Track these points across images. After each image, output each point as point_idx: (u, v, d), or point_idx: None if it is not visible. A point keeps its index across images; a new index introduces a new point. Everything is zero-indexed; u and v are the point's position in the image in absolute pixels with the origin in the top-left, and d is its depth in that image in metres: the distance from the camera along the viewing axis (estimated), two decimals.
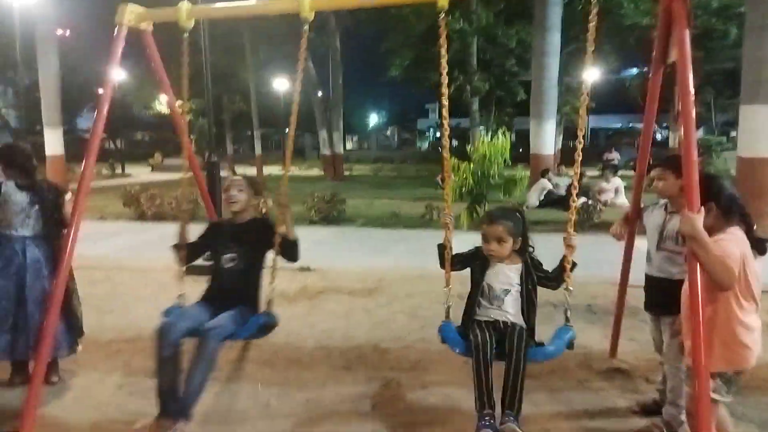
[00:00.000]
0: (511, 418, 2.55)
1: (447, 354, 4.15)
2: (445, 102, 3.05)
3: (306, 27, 3.29)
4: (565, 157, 23.07)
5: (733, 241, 2.36)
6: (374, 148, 55.54)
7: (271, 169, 25.47)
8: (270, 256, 3.29)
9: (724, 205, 2.47)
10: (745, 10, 9.62)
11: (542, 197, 11.94)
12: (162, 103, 31.74)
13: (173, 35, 3.50)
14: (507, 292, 2.82)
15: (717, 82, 28.85)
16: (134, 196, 11.27)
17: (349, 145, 59.45)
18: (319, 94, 24.69)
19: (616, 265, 4.25)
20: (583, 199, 10.77)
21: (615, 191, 12.19)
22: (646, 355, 4.12)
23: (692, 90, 2.45)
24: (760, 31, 8.39)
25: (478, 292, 2.88)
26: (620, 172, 15.33)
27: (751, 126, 8.64)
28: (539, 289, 2.95)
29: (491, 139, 8.67)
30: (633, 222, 3.79)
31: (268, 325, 3.22)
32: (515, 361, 2.61)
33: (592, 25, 2.77)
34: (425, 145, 57.05)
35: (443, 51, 2.99)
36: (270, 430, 3.17)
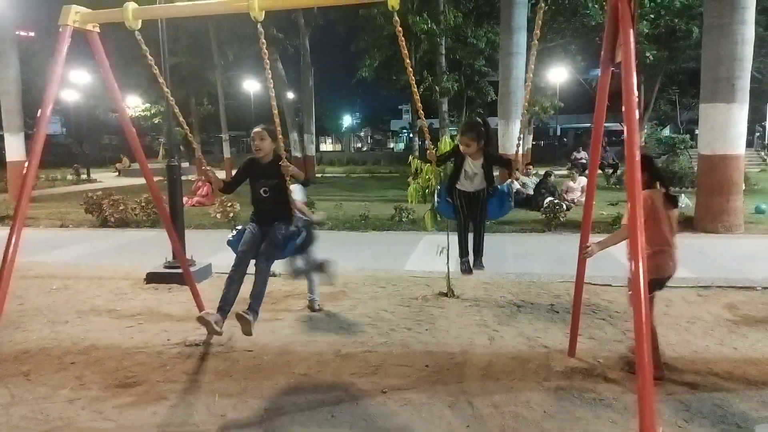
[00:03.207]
0: (479, 263, 4.21)
1: (408, 357, 4.15)
2: (416, 95, 3.82)
3: (260, 28, 3.27)
4: (535, 156, 23.37)
5: (654, 196, 3.62)
6: (347, 150, 55.31)
7: None
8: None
9: (652, 173, 3.67)
10: (703, 10, 9.82)
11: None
12: (129, 107, 31.11)
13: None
14: (476, 174, 4.07)
15: (682, 81, 29.53)
16: (96, 202, 10.98)
17: (323, 147, 59.21)
18: (290, 95, 24.51)
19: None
20: (549, 198, 10.88)
21: (582, 190, 12.35)
22: (605, 353, 4.16)
23: (635, 90, 2.46)
24: (717, 30, 8.59)
25: (459, 173, 4.12)
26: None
27: (710, 124, 8.84)
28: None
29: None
30: (587, 218, 3.83)
31: (304, 243, 4.33)
32: (478, 224, 4.17)
33: (538, 20, 2.86)
34: (400, 146, 57.15)
35: (404, 52, 3.46)
36: None
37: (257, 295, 3.95)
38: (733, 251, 7.64)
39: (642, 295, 2.33)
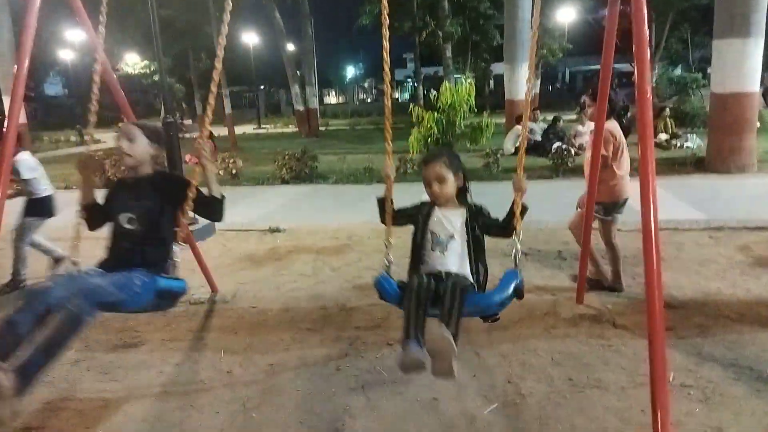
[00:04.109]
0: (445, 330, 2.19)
1: None
2: (386, 44, 2.70)
3: None
4: (542, 102, 22.80)
5: (613, 126, 4.04)
6: (351, 102, 54.49)
7: (245, 128, 25.00)
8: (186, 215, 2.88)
9: (611, 106, 3.92)
10: None
11: (518, 143, 11.78)
12: (129, 65, 30.62)
13: None
14: (451, 238, 2.56)
15: (694, 18, 28.47)
16: (97, 162, 10.88)
17: (327, 100, 58.37)
18: (290, 47, 23.93)
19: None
20: (557, 144, 10.66)
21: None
22: (612, 298, 4.09)
23: (646, 28, 2.28)
24: None
25: (422, 241, 2.64)
26: None
27: (723, 61, 8.50)
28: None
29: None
30: (595, 162, 3.70)
31: (169, 292, 2.72)
32: (449, 302, 2.25)
33: None
34: (405, 95, 56.15)
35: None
36: (232, 399, 3.07)
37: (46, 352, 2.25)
38: (746, 191, 7.46)
39: (653, 240, 2.22)
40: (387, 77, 2.71)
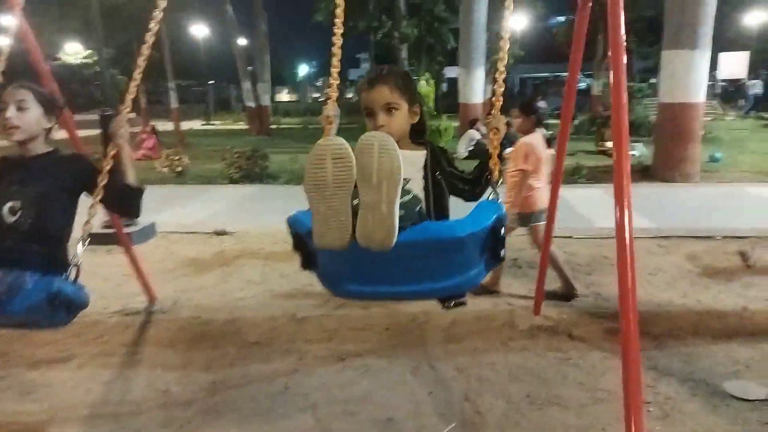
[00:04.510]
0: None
1: (367, 320, 3.93)
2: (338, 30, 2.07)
3: None
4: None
5: (537, 139, 4.08)
6: (304, 100, 53.84)
7: (193, 124, 24.24)
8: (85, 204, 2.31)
9: (538, 118, 4.15)
10: None
11: (471, 147, 11.80)
12: (68, 53, 29.11)
13: None
14: (407, 181, 1.82)
15: (638, 29, 29.49)
16: None
17: (279, 98, 57.42)
18: (242, 42, 23.30)
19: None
20: (509, 149, 10.70)
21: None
22: (568, 308, 4.04)
23: (623, 26, 2.17)
24: None
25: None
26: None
27: (672, 71, 8.71)
28: None
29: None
30: (559, 168, 3.63)
31: (67, 301, 2.06)
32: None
33: None
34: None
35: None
36: (167, 421, 2.82)
37: None
38: (692, 200, 7.66)
39: (627, 249, 2.07)
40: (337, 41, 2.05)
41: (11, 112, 2.19)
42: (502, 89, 2.08)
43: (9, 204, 2.16)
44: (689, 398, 2.87)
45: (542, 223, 4.00)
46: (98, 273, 4.95)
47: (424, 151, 2.00)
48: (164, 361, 3.41)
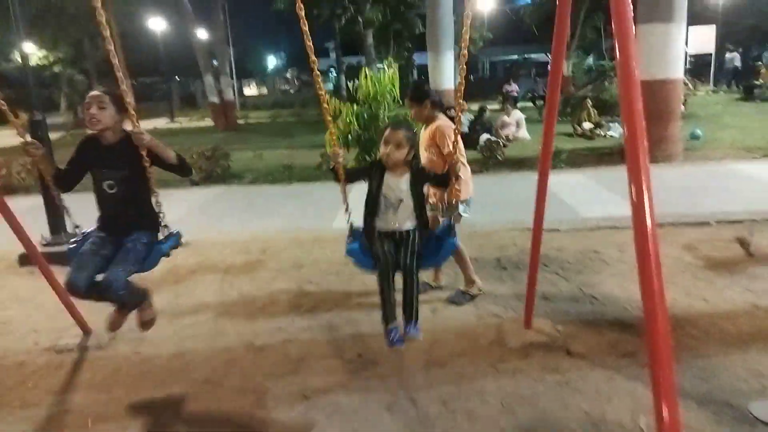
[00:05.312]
0: (413, 328, 2.83)
1: (336, 345, 3.43)
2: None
3: None
4: (465, 92, 22.60)
5: (446, 123, 3.70)
6: (273, 93, 52.69)
7: (157, 122, 23.31)
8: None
9: (435, 103, 3.79)
10: None
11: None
12: (26, 56, 27.75)
13: None
14: (400, 201, 2.97)
15: (607, 7, 29.22)
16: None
17: (247, 92, 56.18)
18: (204, 34, 22.35)
19: (525, 207, 3.64)
20: (485, 136, 10.28)
21: (516, 124, 11.82)
22: (562, 316, 3.60)
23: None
24: None
25: (375, 203, 3.00)
26: (519, 104, 15.07)
27: (648, 46, 8.31)
28: None
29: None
30: (546, 154, 3.14)
31: (174, 248, 3.11)
32: (409, 279, 2.84)
33: None
34: (329, 86, 54.95)
35: None
36: None
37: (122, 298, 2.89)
38: (677, 182, 7.30)
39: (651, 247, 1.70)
40: (311, 52, 2.68)
41: (94, 110, 2.83)
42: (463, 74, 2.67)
43: (107, 182, 2.92)
44: (715, 427, 2.45)
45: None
46: (32, 300, 4.36)
47: (408, 174, 3.00)
48: (96, 410, 2.87)
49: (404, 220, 2.98)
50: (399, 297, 2.83)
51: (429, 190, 3.65)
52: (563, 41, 2.96)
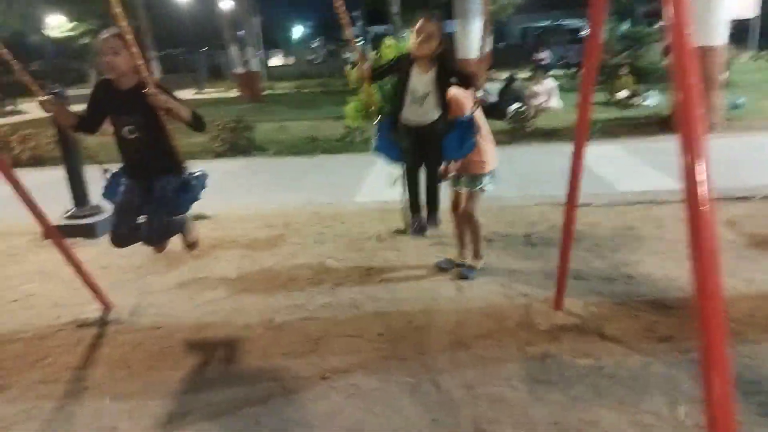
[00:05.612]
0: (434, 217, 3.34)
1: (357, 323, 3.32)
2: None
3: None
4: (495, 60, 21.97)
5: (460, 91, 3.44)
6: (299, 63, 52.24)
7: (184, 94, 23.34)
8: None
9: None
10: None
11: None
12: (53, 28, 27.94)
13: None
14: (427, 95, 3.11)
15: None
16: (4, 139, 9.53)
17: (273, 62, 55.89)
18: (230, 4, 22.12)
19: (556, 180, 3.44)
20: (515, 105, 9.94)
21: (548, 94, 11.42)
22: (595, 297, 3.42)
23: None
24: None
25: (403, 95, 3.16)
26: (552, 72, 14.58)
27: None
28: None
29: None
30: (584, 126, 2.93)
31: (203, 189, 3.17)
32: (432, 168, 3.23)
33: None
34: (353, 56, 54.14)
35: None
36: None
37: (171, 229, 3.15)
38: (717, 154, 6.79)
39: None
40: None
41: (109, 57, 2.76)
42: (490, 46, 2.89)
43: (127, 127, 2.90)
44: (763, 419, 2.28)
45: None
46: (55, 274, 4.35)
47: (434, 67, 3.11)
48: (115, 388, 2.84)
49: (429, 113, 3.15)
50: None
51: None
52: (602, 5, 2.72)
